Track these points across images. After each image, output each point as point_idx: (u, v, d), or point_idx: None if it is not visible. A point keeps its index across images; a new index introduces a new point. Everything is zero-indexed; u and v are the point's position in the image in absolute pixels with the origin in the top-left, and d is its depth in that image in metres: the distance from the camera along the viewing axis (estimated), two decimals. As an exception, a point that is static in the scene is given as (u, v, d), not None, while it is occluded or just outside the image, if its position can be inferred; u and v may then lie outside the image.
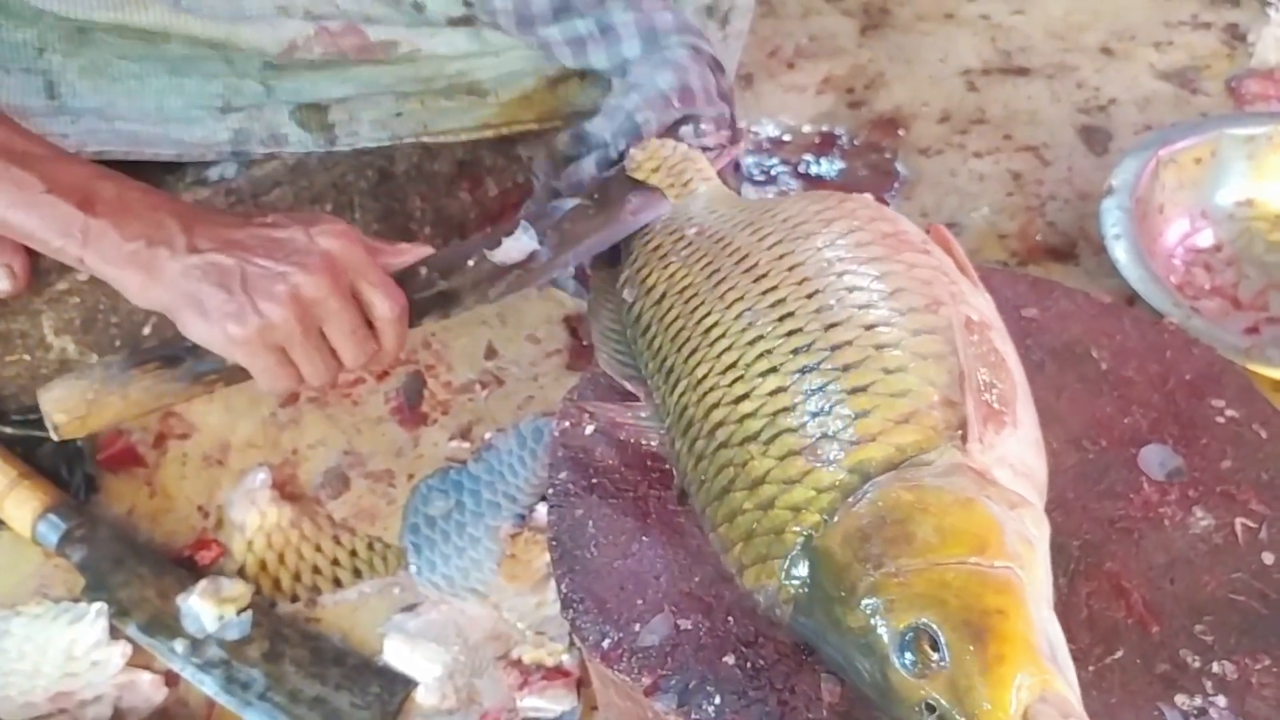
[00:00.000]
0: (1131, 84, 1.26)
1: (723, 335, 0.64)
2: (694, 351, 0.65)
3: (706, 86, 0.84)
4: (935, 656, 0.50)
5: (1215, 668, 0.59)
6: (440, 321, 0.77)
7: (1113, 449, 0.69)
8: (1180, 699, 0.58)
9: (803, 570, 0.56)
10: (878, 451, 0.56)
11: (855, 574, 0.53)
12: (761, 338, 0.62)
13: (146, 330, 0.98)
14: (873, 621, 0.52)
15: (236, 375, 0.71)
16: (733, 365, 0.62)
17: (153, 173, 0.87)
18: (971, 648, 0.49)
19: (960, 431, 0.56)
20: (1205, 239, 1.06)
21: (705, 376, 0.63)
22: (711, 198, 0.77)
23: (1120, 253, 0.97)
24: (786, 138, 1.23)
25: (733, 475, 0.60)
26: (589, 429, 0.70)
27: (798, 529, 0.56)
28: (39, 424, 0.92)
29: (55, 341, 0.92)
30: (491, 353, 1.02)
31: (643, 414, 0.69)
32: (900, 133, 1.22)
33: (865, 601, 0.52)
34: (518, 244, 0.76)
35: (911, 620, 0.50)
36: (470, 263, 0.75)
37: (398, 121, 0.96)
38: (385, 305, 0.71)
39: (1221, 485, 0.67)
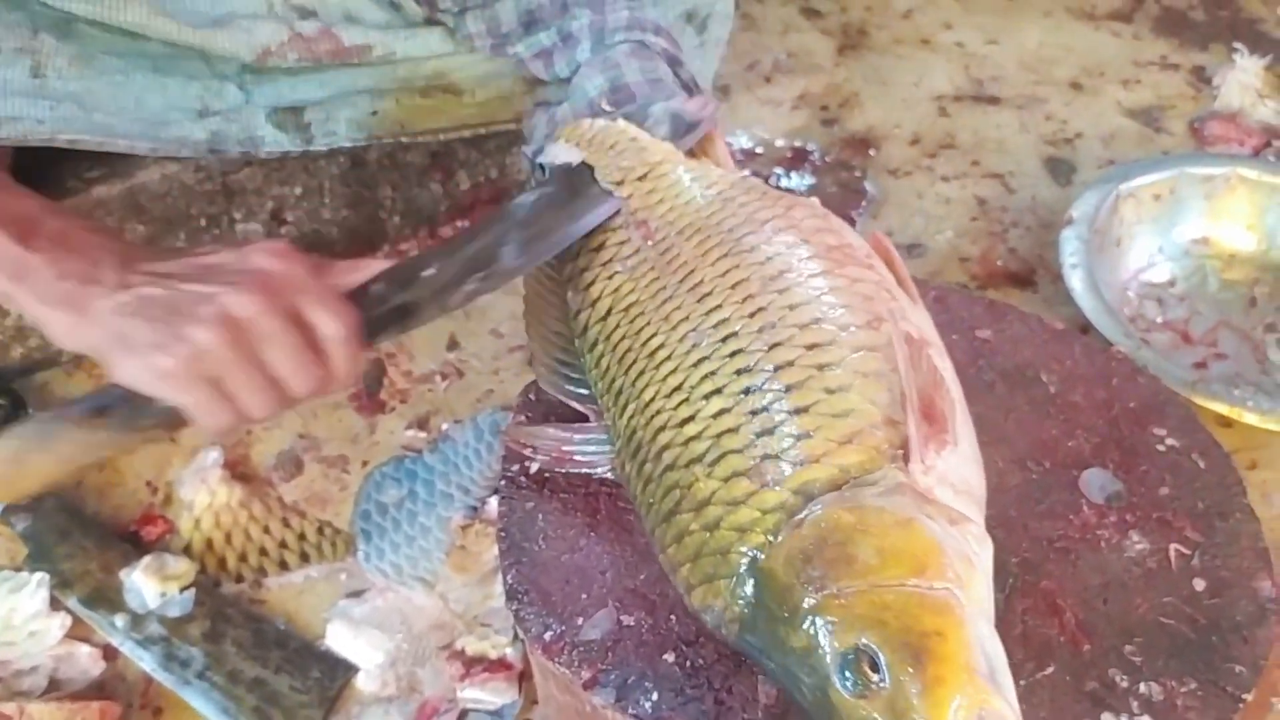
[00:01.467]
0: (1098, 119, 1.28)
1: (668, 357, 0.63)
2: (641, 374, 0.64)
3: (652, 78, 0.81)
4: (875, 677, 0.50)
5: (1142, 688, 0.61)
6: (398, 337, 0.72)
7: (1056, 471, 0.70)
8: (1106, 717, 0.60)
9: (748, 590, 0.56)
10: (821, 472, 0.57)
11: (798, 595, 0.53)
12: (706, 359, 0.62)
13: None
14: (815, 642, 0.52)
15: (175, 419, 0.63)
16: (678, 388, 0.62)
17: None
18: (910, 669, 0.50)
19: (902, 451, 0.57)
20: (1160, 274, 1.08)
21: (652, 400, 0.63)
22: (664, 187, 0.72)
23: (1076, 282, 0.98)
24: (759, 150, 1.24)
25: (679, 497, 0.60)
26: (533, 467, 0.69)
27: (743, 550, 0.56)
28: (-10, 391, 0.91)
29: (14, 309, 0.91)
30: (454, 344, 1.03)
31: (590, 437, 0.68)
32: (871, 152, 1.24)
33: (807, 622, 0.53)
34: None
35: (852, 642, 0.51)
36: (427, 273, 0.69)
37: (374, 121, 0.96)
38: (331, 324, 0.63)
39: (1159, 511, 0.68)
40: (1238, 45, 1.32)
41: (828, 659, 0.52)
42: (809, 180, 1.20)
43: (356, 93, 0.95)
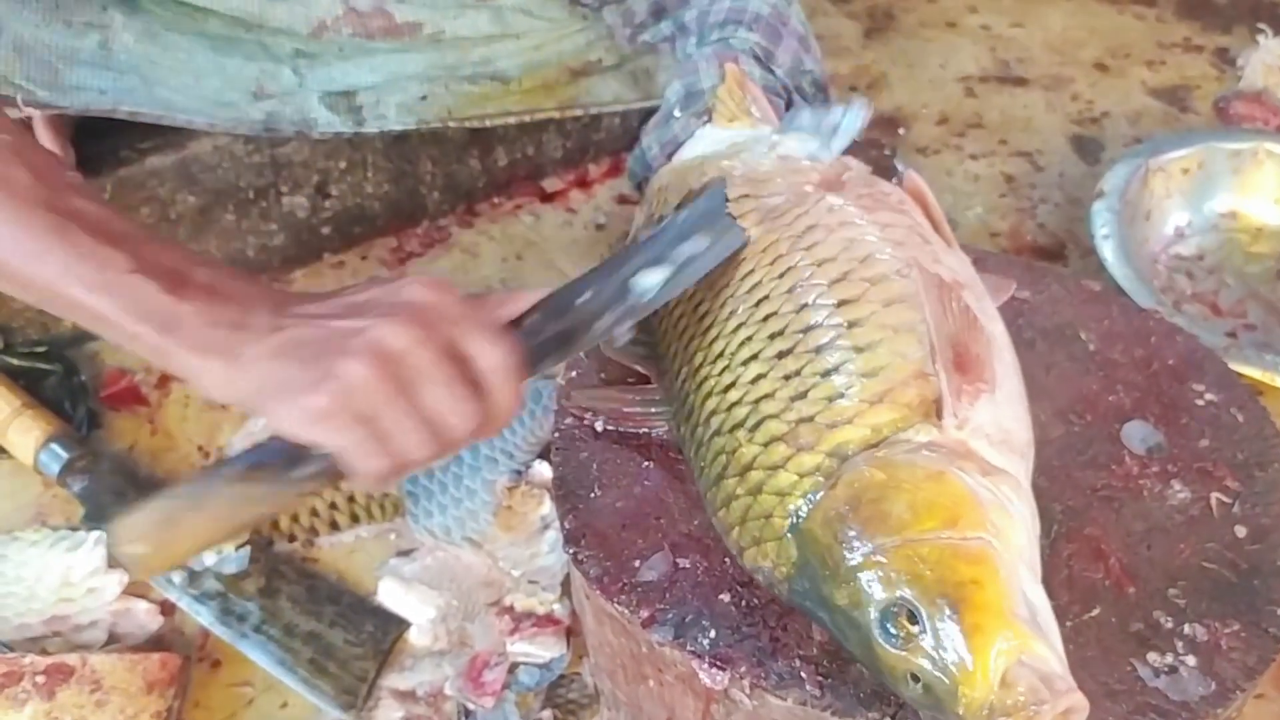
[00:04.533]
0: (1124, 99, 1.30)
1: (712, 323, 0.65)
2: (691, 339, 0.66)
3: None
4: (916, 630, 0.51)
5: (1187, 629, 0.62)
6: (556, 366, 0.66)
7: (1097, 423, 0.72)
8: (1152, 656, 0.61)
9: (792, 552, 0.57)
10: (854, 434, 0.57)
11: (838, 554, 0.55)
12: (743, 324, 0.63)
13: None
14: (857, 598, 0.53)
15: (333, 470, 0.59)
16: (720, 354, 0.63)
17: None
18: (949, 619, 0.51)
19: (936, 404, 0.57)
20: (1189, 247, 1.09)
21: (700, 365, 0.64)
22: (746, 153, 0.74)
23: (1108, 252, 1.00)
24: (789, 130, 1.26)
25: (725, 462, 0.61)
26: (598, 425, 0.70)
27: (784, 513, 0.58)
28: (45, 355, 0.94)
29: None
30: (494, 316, 1.04)
31: (649, 398, 0.69)
32: (900, 132, 1.26)
33: (849, 580, 0.54)
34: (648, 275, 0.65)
35: (891, 596, 0.52)
36: (581, 300, 0.64)
37: (423, 106, 0.99)
38: (490, 354, 0.58)
39: (1199, 462, 0.70)
40: (1261, 26, 1.34)
41: (869, 615, 0.53)
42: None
43: (406, 78, 0.98)
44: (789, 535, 0.58)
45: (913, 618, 0.52)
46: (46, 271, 0.56)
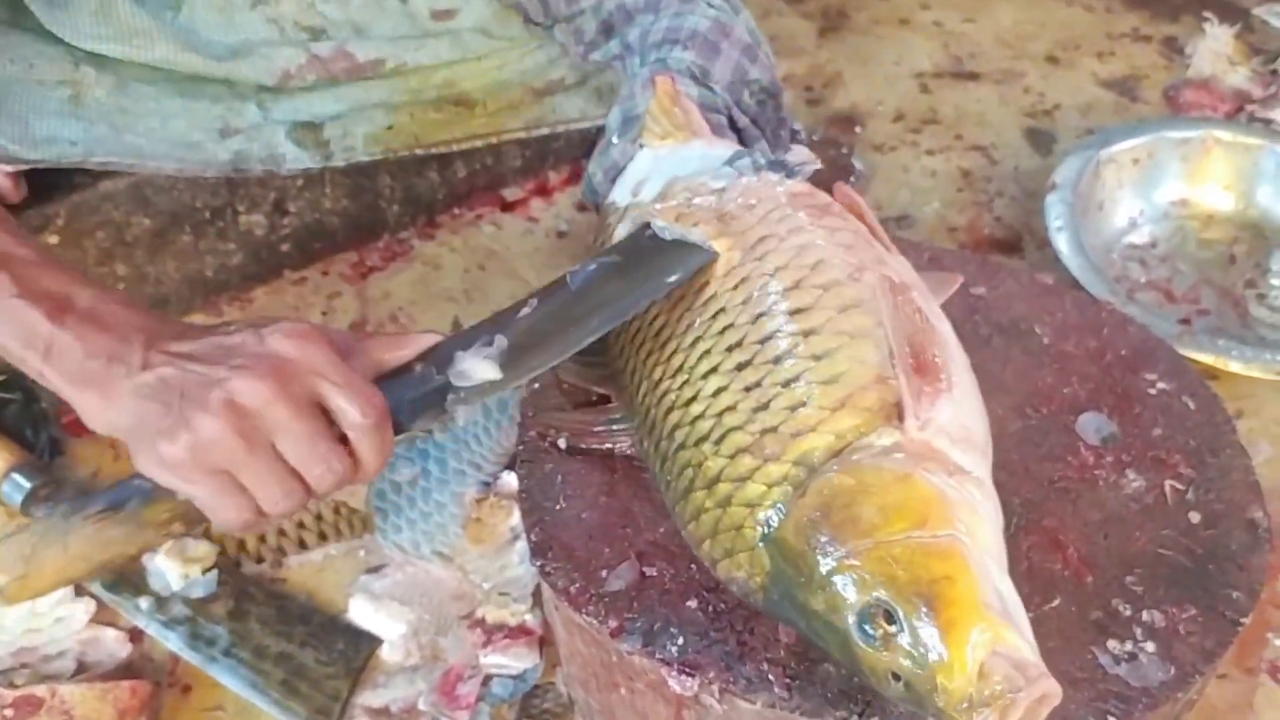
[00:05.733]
0: (1075, 91, 1.31)
1: (670, 337, 0.65)
2: (649, 354, 0.66)
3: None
4: (893, 629, 0.52)
5: (1145, 616, 0.64)
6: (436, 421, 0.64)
7: (1053, 416, 0.73)
8: (1112, 644, 0.62)
9: (765, 562, 0.58)
10: (819, 441, 0.58)
11: (811, 560, 0.55)
12: (700, 338, 0.63)
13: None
14: (833, 603, 0.54)
15: (193, 514, 0.60)
16: (680, 368, 0.64)
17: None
18: (925, 616, 0.52)
19: (897, 407, 0.58)
20: (1142, 236, 1.11)
21: (660, 380, 0.65)
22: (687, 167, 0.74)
23: (1062, 244, 1.01)
24: (746, 131, 1.26)
25: (692, 476, 0.61)
26: (561, 443, 0.71)
27: (755, 523, 0.58)
28: (4, 384, 0.93)
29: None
30: (457, 327, 1.04)
31: (611, 418, 0.70)
32: (857, 130, 1.27)
33: (823, 585, 0.55)
34: (477, 365, 0.63)
35: (867, 598, 0.53)
36: (474, 346, 0.63)
37: (390, 135, 1.00)
38: (354, 409, 0.58)
39: (1152, 451, 0.71)
40: (1207, 15, 1.36)
41: (846, 618, 0.54)
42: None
43: (371, 106, 0.99)
44: (761, 545, 0.58)
45: (890, 617, 0.53)
46: None
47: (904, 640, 0.52)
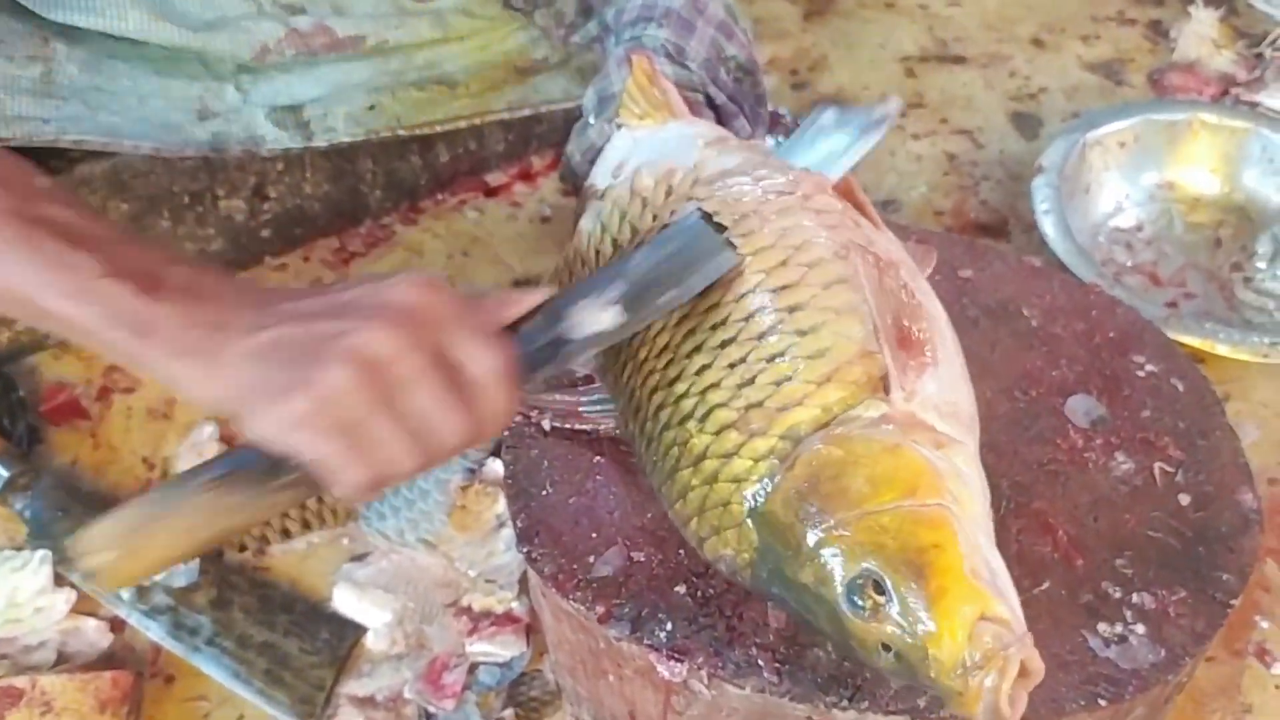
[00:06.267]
0: (1060, 74, 1.31)
1: None
2: (634, 335, 0.65)
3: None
4: (882, 599, 0.52)
5: (1135, 598, 0.63)
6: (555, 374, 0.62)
7: (1041, 399, 0.73)
8: (1102, 627, 0.62)
9: (753, 537, 0.57)
10: (805, 414, 0.58)
11: (799, 533, 0.55)
12: (686, 317, 0.62)
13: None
14: (822, 575, 0.54)
15: (312, 480, 0.56)
16: (665, 347, 0.63)
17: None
18: (914, 585, 0.51)
19: (883, 380, 0.58)
20: (1128, 219, 1.11)
21: (645, 359, 0.64)
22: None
23: (1049, 227, 1.01)
24: (732, 115, 1.26)
25: (678, 455, 0.61)
26: (546, 424, 0.70)
27: (742, 499, 0.58)
28: (-20, 374, 0.91)
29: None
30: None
31: (596, 397, 0.69)
32: (842, 113, 1.26)
33: (812, 557, 0.54)
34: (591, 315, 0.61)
35: (856, 568, 0.53)
36: (584, 300, 0.61)
37: (371, 116, 0.98)
38: (481, 361, 0.55)
39: (1141, 433, 0.71)
40: (1193, -1, 1.36)
41: (835, 589, 0.53)
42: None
43: (352, 88, 0.97)
44: (748, 520, 0.58)
45: (879, 588, 0.52)
46: (15, 281, 0.55)
47: (893, 610, 0.52)
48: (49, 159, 0.92)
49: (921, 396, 0.58)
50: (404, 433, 0.54)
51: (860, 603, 0.53)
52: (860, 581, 0.53)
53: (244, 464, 0.56)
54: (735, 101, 0.86)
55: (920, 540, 0.53)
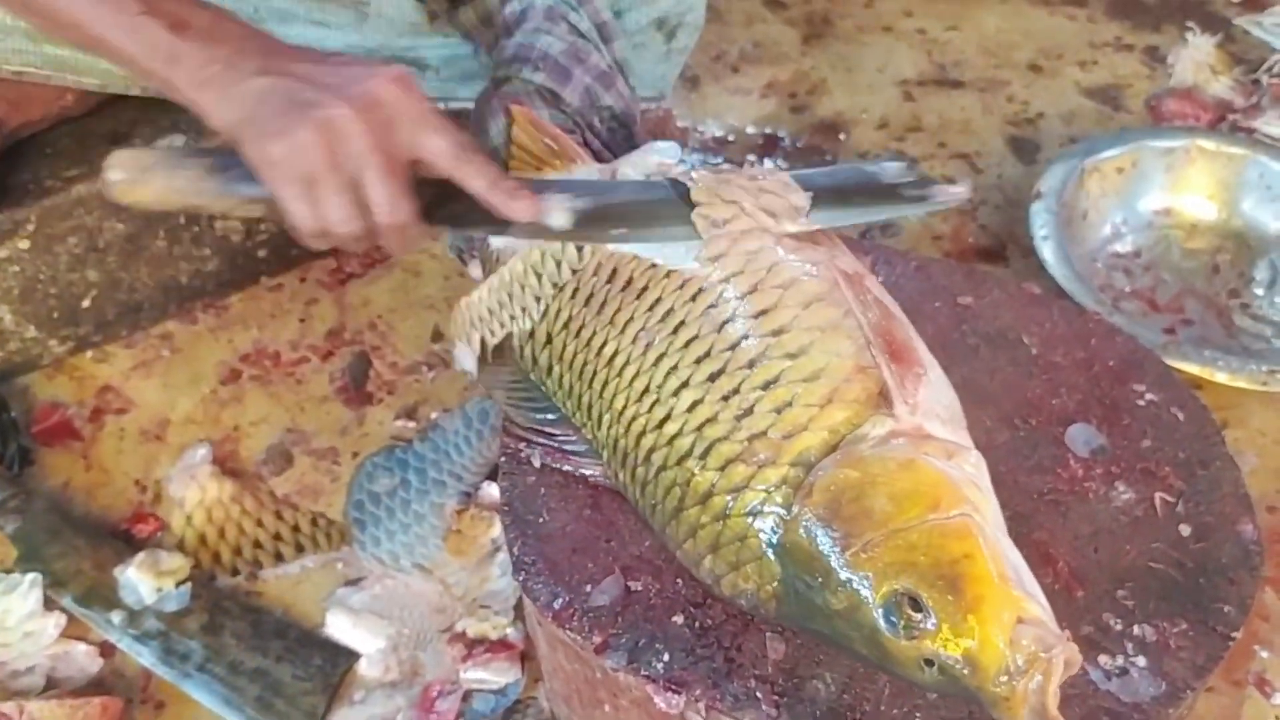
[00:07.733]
0: (1058, 99, 1.31)
1: (627, 361, 0.63)
2: (605, 384, 0.64)
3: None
4: (919, 616, 0.52)
5: (1136, 630, 0.63)
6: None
7: (1042, 427, 0.72)
8: (1103, 659, 0.62)
9: (775, 569, 0.57)
10: (813, 439, 0.57)
11: (826, 560, 0.54)
12: (664, 355, 0.61)
13: (85, 303, 0.97)
14: (855, 599, 0.53)
15: (272, 207, 0.66)
16: (646, 390, 0.62)
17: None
18: (950, 598, 0.51)
19: (882, 394, 0.58)
20: (1125, 245, 1.11)
21: (625, 407, 0.63)
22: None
23: (1048, 253, 1.01)
24: (731, 138, 1.26)
25: (681, 494, 0.60)
26: (536, 461, 0.69)
27: (759, 531, 0.57)
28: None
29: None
30: (438, 335, 1.03)
31: (579, 447, 0.68)
32: (841, 137, 1.26)
33: (843, 583, 0.54)
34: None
35: (890, 588, 0.52)
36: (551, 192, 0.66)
37: None
38: (439, 143, 0.65)
39: (1142, 463, 0.71)
40: (1190, 24, 1.36)
41: (871, 611, 0.53)
42: (782, 166, 1.22)
43: None
44: (769, 553, 0.57)
45: (915, 605, 0.52)
46: (74, 11, 0.67)
47: (932, 625, 0.52)
48: (46, 179, 0.92)
49: (923, 406, 0.58)
50: (348, 201, 0.64)
51: (898, 621, 0.52)
52: (896, 601, 0.52)
53: (238, 164, 0.66)
54: (610, 149, 0.86)
55: (950, 552, 0.52)
